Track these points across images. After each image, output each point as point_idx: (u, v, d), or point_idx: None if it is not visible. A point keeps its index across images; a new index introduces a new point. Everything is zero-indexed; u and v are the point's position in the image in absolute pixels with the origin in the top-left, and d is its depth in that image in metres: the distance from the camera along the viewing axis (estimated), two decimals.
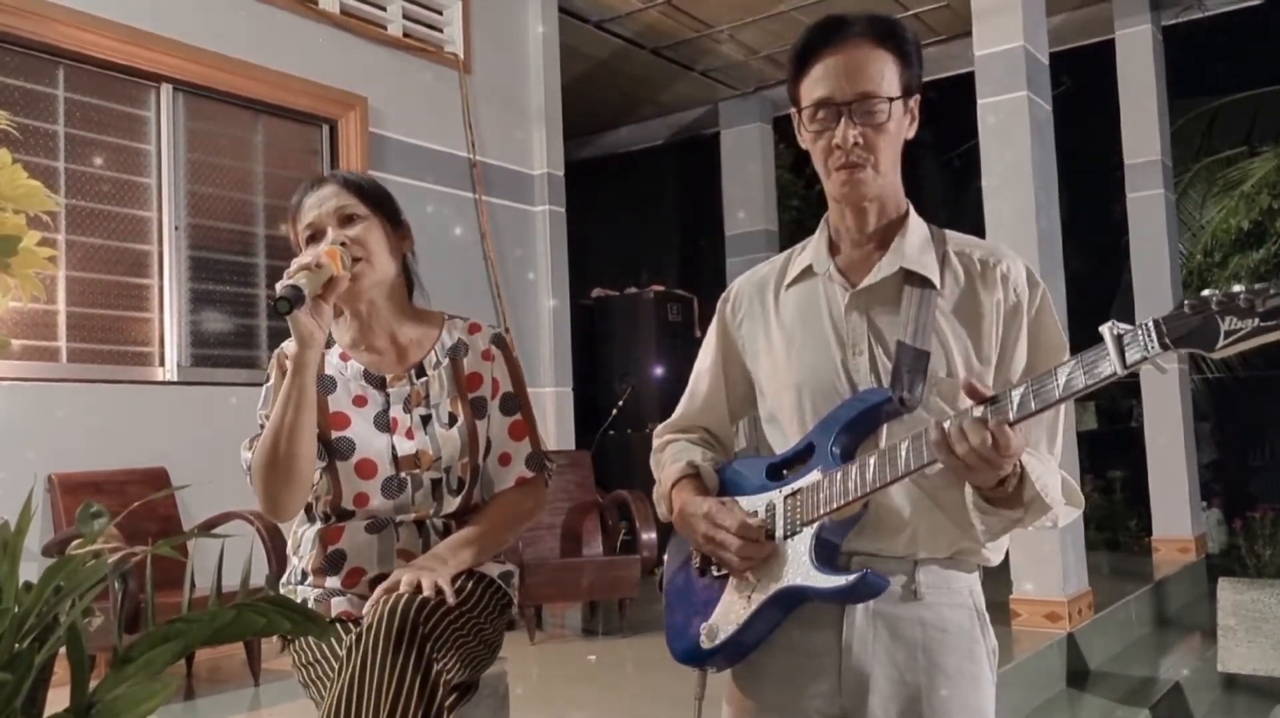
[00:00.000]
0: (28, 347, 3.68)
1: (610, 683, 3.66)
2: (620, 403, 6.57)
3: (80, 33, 3.79)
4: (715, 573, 1.38)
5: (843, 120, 1.29)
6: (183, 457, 3.82)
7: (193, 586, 0.97)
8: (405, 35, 5.00)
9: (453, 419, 1.68)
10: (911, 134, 1.37)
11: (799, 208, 8.56)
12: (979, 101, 4.40)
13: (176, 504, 3.75)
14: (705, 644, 1.35)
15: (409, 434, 1.66)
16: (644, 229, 9.60)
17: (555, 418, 5.44)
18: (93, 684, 0.76)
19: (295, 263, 1.52)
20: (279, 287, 1.47)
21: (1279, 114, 8.79)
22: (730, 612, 1.33)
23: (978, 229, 4.46)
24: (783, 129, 7.54)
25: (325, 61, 4.58)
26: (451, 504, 1.67)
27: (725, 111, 7.65)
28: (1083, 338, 1.59)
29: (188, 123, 4.21)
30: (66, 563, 0.75)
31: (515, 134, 5.52)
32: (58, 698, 0.77)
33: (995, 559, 1.37)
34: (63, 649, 0.75)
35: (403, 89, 4.93)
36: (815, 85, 1.32)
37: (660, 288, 6.91)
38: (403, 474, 1.64)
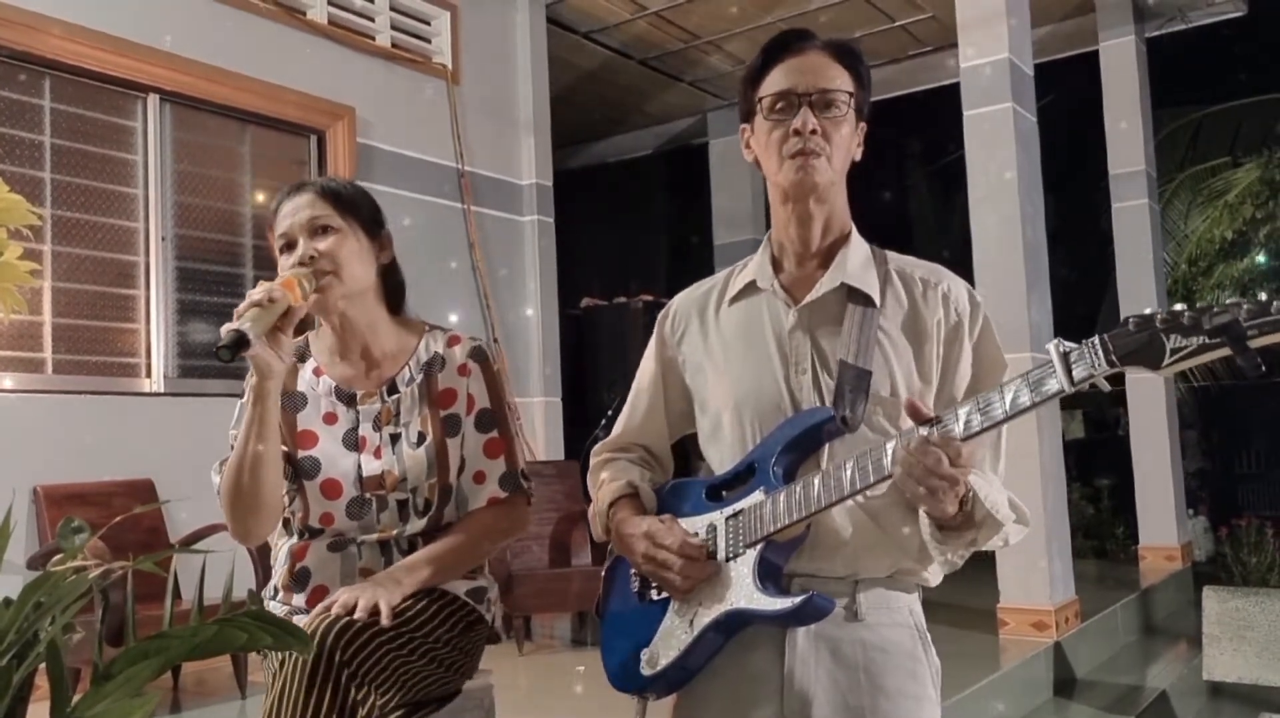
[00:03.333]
0: (13, 358, 3.66)
1: (599, 694, 3.65)
2: (609, 413, 6.56)
3: (66, 43, 3.78)
4: (655, 596, 1.35)
5: (803, 109, 1.31)
6: (170, 468, 3.80)
7: (179, 597, 0.96)
8: (394, 46, 5.01)
9: (421, 438, 1.62)
10: (858, 156, 1.38)
11: None
12: (965, 113, 4.43)
13: (163, 516, 3.73)
14: (646, 671, 1.32)
15: (376, 453, 1.62)
16: (632, 239, 9.62)
17: (544, 428, 5.44)
18: (75, 700, 0.75)
19: (247, 300, 1.43)
20: (223, 331, 1.38)
21: (1262, 124, 8.89)
22: (671, 637, 1.31)
23: (964, 240, 4.49)
24: None
25: (313, 72, 4.58)
26: (418, 525, 1.62)
27: (713, 121, 7.69)
28: None
29: (174, 133, 4.20)
30: (46, 579, 0.74)
31: (504, 144, 5.53)
32: (38, 714, 0.77)
33: (934, 581, 1.36)
34: (43, 666, 0.75)
35: (391, 99, 4.93)
36: (775, 83, 1.34)
37: (649, 297, 6.92)
38: (367, 495, 1.60)
